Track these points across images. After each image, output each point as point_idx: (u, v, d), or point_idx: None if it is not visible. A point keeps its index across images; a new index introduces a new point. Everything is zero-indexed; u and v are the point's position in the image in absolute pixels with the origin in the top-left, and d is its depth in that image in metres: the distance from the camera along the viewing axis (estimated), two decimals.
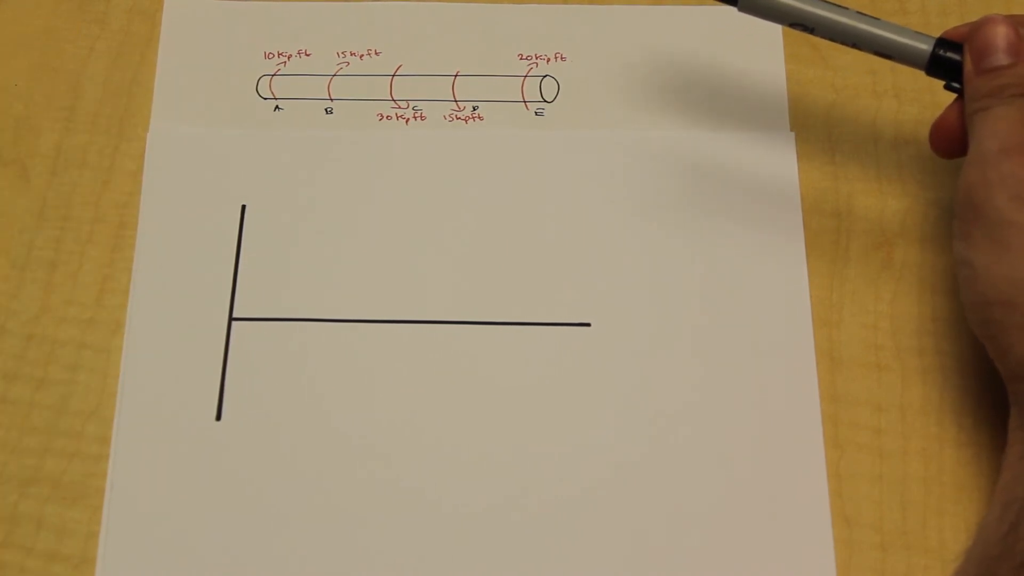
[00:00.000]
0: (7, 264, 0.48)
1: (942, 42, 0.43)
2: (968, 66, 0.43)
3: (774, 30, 0.52)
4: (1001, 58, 0.42)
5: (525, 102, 0.51)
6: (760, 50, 0.51)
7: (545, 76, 0.52)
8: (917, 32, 0.43)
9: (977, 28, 0.43)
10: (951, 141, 0.44)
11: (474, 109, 0.51)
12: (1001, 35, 0.42)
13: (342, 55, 0.52)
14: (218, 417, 0.45)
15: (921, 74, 0.43)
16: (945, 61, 0.43)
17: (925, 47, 0.43)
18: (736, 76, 0.51)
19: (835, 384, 0.46)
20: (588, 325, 0.47)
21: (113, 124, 0.51)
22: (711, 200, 0.49)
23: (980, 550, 0.38)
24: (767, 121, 0.50)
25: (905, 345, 0.46)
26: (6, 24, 0.53)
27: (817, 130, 0.50)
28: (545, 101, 0.51)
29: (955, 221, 0.42)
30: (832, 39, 0.44)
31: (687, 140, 0.50)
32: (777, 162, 0.49)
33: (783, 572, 0.43)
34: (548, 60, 0.52)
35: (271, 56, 0.52)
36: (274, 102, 0.51)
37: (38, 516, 0.44)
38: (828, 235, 0.48)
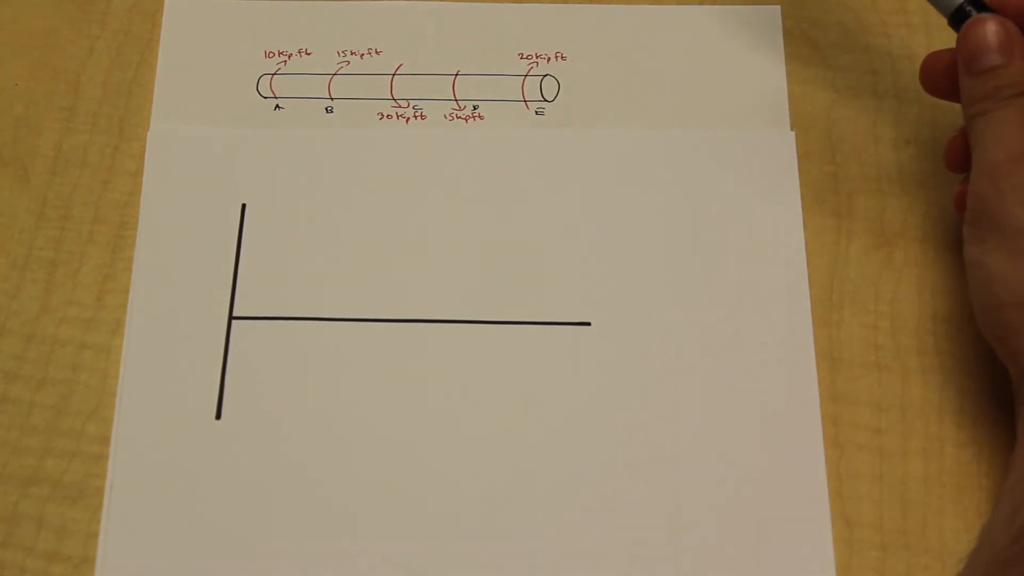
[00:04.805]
0: (7, 264, 0.48)
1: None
2: (960, 69, 0.41)
3: (774, 30, 0.52)
4: (994, 58, 0.40)
5: (525, 101, 0.51)
6: (760, 50, 0.51)
7: (545, 75, 0.52)
8: None
9: (966, 28, 0.41)
10: (966, 159, 0.43)
11: (474, 108, 0.51)
12: (992, 33, 0.41)
13: (342, 54, 0.52)
14: (218, 416, 0.45)
15: None
16: (968, 17, 0.42)
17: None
18: (736, 76, 0.51)
19: (835, 384, 0.46)
20: (588, 325, 0.47)
21: (113, 124, 0.51)
22: (711, 200, 0.49)
23: (987, 554, 0.38)
24: (767, 121, 0.50)
25: (905, 345, 0.46)
26: (6, 24, 0.53)
27: (817, 130, 0.50)
28: (545, 100, 0.51)
29: (966, 227, 0.41)
30: None
31: (687, 140, 0.50)
32: (777, 162, 0.49)
33: (783, 572, 0.43)
34: (548, 60, 0.52)
35: (271, 55, 0.52)
36: (274, 101, 0.51)
37: (38, 516, 0.44)
38: (828, 235, 0.48)
